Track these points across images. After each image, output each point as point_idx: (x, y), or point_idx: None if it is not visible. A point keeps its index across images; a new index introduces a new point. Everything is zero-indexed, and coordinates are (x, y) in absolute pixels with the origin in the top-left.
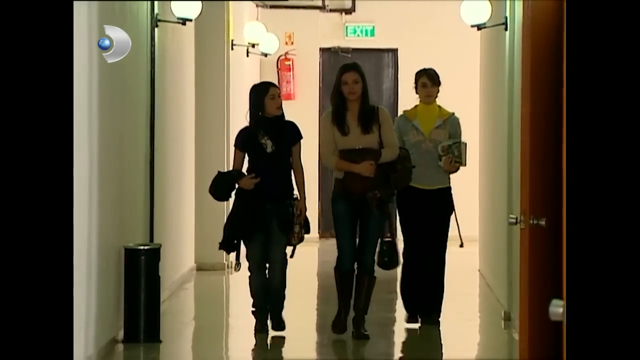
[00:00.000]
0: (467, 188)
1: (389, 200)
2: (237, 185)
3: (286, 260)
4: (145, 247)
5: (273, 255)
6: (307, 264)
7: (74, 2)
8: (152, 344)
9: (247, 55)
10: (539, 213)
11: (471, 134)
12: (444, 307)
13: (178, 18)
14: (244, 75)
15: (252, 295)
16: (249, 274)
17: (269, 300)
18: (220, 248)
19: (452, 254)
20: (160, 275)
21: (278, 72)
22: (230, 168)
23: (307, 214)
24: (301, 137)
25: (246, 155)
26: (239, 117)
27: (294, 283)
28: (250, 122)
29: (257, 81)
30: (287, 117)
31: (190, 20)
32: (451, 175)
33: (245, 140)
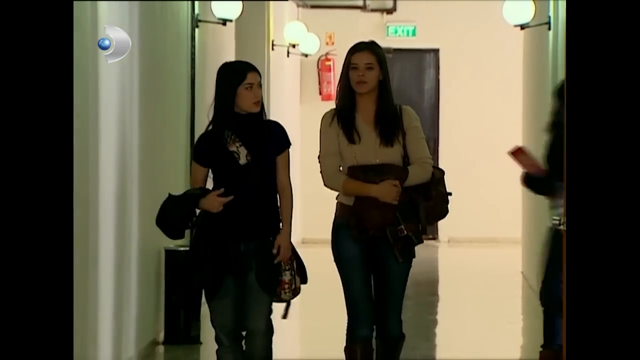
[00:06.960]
0: (511, 189)
1: (418, 240)
2: (197, 212)
3: (271, 328)
4: (186, 248)
5: (252, 323)
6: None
7: (119, 1)
8: (192, 345)
9: (288, 56)
10: None
11: (514, 135)
12: (486, 309)
13: (218, 18)
14: (284, 76)
15: None
16: (216, 346)
17: None
18: (176, 303)
19: (494, 256)
20: None
21: (319, 72)
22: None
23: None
24: (289, 144)
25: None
26: (279, 118)
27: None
28: (213, 122)
29: (298, 83)
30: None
31: (231, 20)
32: (492, 176)
33: (207, 150)
